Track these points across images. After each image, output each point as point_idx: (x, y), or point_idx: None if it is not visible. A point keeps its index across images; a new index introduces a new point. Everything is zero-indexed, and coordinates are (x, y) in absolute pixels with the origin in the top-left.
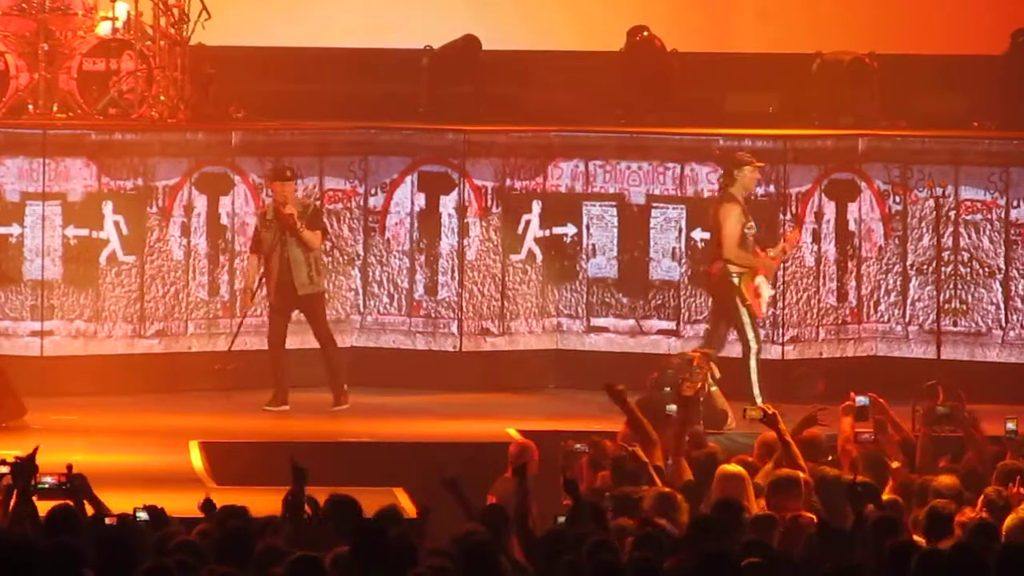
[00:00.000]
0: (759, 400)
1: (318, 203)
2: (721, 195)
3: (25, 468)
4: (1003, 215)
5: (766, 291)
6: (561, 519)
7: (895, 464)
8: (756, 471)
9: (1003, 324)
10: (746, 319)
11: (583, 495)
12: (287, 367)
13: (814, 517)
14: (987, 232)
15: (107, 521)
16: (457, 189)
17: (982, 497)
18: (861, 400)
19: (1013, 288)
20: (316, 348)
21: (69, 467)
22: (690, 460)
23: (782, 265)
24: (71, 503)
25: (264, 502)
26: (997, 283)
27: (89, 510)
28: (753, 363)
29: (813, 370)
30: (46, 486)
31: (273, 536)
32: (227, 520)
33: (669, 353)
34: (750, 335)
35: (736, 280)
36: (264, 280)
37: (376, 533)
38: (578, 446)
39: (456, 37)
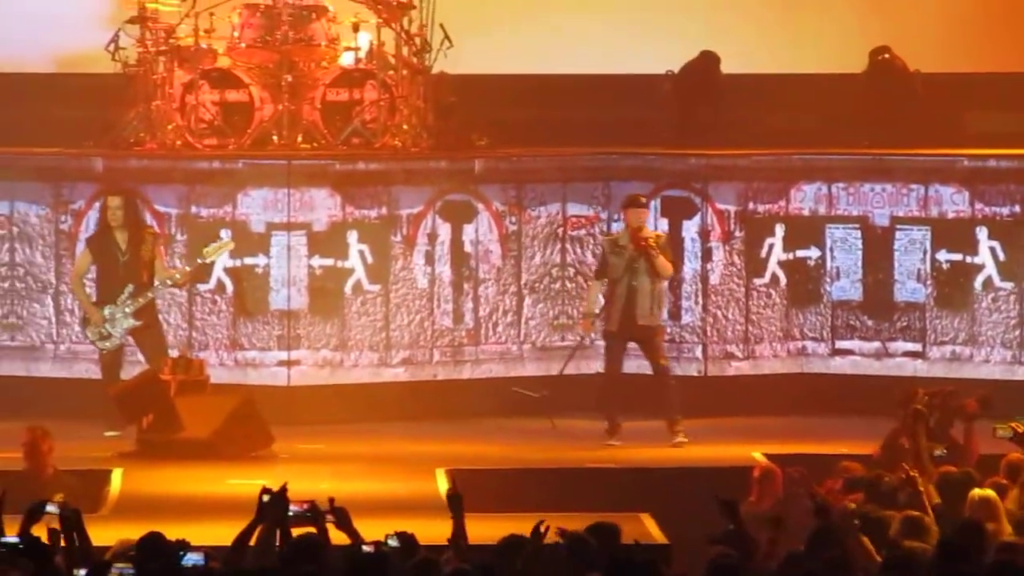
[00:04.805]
0: None
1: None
2: None
3: (277, 503)
4: None
5: None
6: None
7: None
8: (1005, 492)
9: None
10: None
11: (833, 518)
12: (622, 396)
13: None
14: None
15: (364, 549)
16: (700, 213)
17: None
18: None
19: None
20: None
21: (331, 500)
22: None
23: None
24: (315, 531)
25: (512, 529)
26: None
27: (343, 539)
28: None
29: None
30: (291, 514)
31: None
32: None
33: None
34: None
35: None
36: (607, 307)
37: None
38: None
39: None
